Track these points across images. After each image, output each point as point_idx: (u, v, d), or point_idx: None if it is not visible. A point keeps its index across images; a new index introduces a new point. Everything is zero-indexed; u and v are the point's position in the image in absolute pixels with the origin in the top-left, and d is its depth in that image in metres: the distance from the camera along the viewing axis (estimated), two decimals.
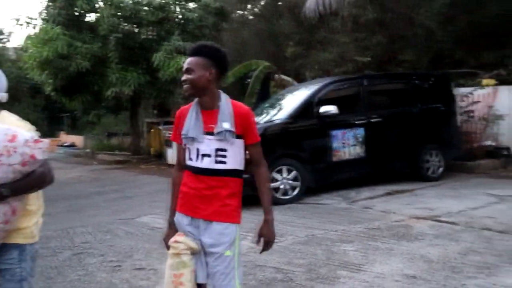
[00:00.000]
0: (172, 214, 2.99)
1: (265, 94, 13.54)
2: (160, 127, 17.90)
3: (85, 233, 7.14)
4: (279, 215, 7.33)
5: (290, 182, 8.23)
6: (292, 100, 9.24)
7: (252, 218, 7.15)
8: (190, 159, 2.88)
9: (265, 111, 9.73)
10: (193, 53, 2.84)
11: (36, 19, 17.54)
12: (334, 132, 8.62)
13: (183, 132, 2.87)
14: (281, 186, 8.16)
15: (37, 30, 17.13)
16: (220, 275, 2.79)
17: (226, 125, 2.78)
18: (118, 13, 16.15)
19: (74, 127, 35.31)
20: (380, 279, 4.43)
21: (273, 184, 8.07)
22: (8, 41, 40.11)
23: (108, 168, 16.87)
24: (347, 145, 8.72)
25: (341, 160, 8.68)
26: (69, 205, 9.78)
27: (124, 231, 7.10)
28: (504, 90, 10.97)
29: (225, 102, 2.87)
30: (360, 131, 8.84)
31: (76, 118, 33.12)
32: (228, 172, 2.83)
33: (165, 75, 15.19)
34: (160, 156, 17.85)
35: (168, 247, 2.92)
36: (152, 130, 19.06)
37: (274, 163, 8.11)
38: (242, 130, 2.84)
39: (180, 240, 2.84)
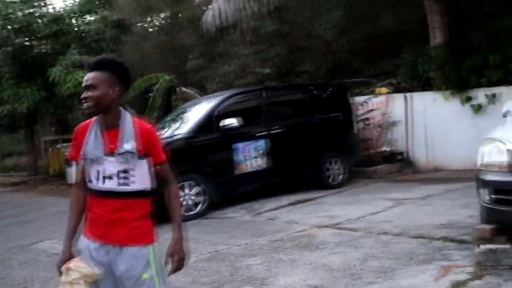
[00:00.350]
0: (69, 237, 2.76)
1: (167, 108, 13.35)
2: (59, 145, 17.11)
3: None
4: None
5: (193, 197, 8.12)
6: (194, 114, 9.16)
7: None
8: (90, 181, 2.72)
9: (167, 125, 9.57)
10: (95, 68, 2.67)
11: None
12: (236, 145, 8.63)
13: (82, 152, 2.70)
14: (184, 202, 8.01)
15: None
16: None
17: (127, 146, 2.65)
18: (8, 26, 15.31)
19: None
20: None
21: None
22: None
23: (3, 191, 15.88)
24: (249, 157, 8.75)
25: (244, 172, 8.70)
26: None
27: (18, 261, 6.67)
28: (396, 97, 11.51)
29: (128, 120, 2.73)
30: (262, 143, 8.91)
31: None
32: (134, 194, 2.70)
33: (63, 91, 14.56)
34: (61, 176, 17.05)
35: (60, 274, 2.70)
36: (51, 148, 18.18)
37: (176, 179, 7.95)
38: (147, 149, 2.71)
39: (73, 268, 2.63)
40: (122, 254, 2.68)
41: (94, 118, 2.75)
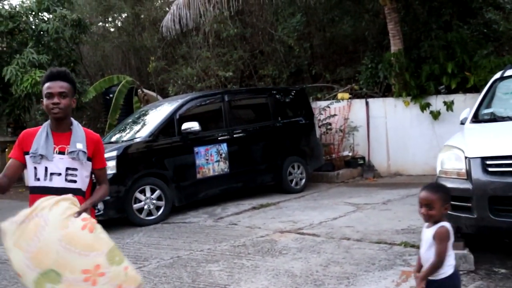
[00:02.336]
0: None
1: (128, 110, 13.13)
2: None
3: None
4: (144, 237, 7.08)
5: (154, 201, 7.98)
6: (154, 117, 9.02)
7: (116, 242, 6.79)
8: (38, 179, 2.96)
9: (127, 127, 9.42)
10: (63, 78, 3.01)
11: None
12: (197, 149, 8.54)
13: (32, 150, 2.95)
14: (145, 207, 7.88)
15: None
16: None
17: (80, 146, 3.00)
18: None
19: None
20: None
21: (137, 205, 7.79)
22: None
23: None
24: (211, 161, 8.68)
25: (205, 176, 8.62)
26: None
27: None
28: (357, 103, 11.65)
29: (79, 126, 3.11)
30: (223, 147, 8.85)
31: None
32: (77, 191, 2.98)
33: (19, 90, 14.16)
34: (18, 179, 16.59)
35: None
36: (7, 149, 17.66)
37: (136, 183, 7.84)
38: (92, 154, 3.08)
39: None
40: None
41: (42, 125, 3.08)
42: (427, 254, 2.97)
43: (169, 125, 8.50)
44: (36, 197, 2.90)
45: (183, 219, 8.05)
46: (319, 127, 11.01)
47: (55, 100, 2.95)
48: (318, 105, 11.61)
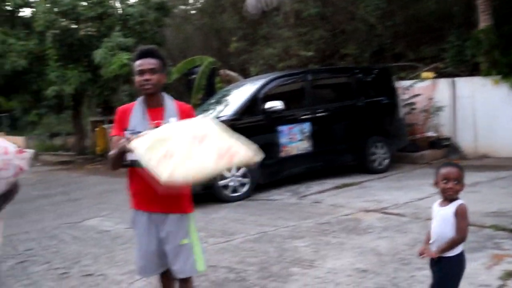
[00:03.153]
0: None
1: (211, 90, 13.42)
2: (105, 126, 17.47)
3: (29, 239, 6.89)
4: (230, 213, 7.30)
5: (239, 179, 8.20)
6: (237, 96, 9.19)
7: (203, 217, 7.10)
8: None
9: (211, 107, 9.65)
10: (152, 55, 3.09)
11: None
12: (280, 128, 8.64)
13: (130, 127, 3.07)
14: (231, 183, 8.11)
15: None
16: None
17: (173, 120, 3.06)
18: (55, 8, 15.61)
19: (14, 127, 33.94)
20: (332, 275, 4.45)
21: (222, 182, 8.02)
22: None
23: (52, 169, 16.35)
24: (294, 140, 8.75)
25: (289, 155, 8.71)
26: (12, 210, 9.30)
27: (71, 236, 6.90)
28: (442, 82, 11.29)
29: (169, 101, 3.19)
30: (307, 126, 8.89)
31: (16, 118, 31.93)
32: None
33: (108, 73, 14.83)
34: (106, 156, 17.43)
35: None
36: (97, 129, 18.58)
37: None
38: None
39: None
40: (166, 220, 3.11)
41: (136, 101, 3.19)
42: (441, 230, 3.02)
43: (253, 104, 8.64)
44: (135, 170, 3.06)
45: (267, 197, 8.21)
46: (403, 107, 10.79)
47: (146, 76, 3.04)
48: (401, 85, 11.35)
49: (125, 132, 3.09)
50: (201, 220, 6.90)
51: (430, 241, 3.12)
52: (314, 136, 8.93)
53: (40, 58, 16.03)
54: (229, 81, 13.97)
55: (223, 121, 8.32)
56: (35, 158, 21.38)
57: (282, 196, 8.14)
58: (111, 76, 14.94)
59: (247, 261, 5.05)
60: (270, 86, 9.04)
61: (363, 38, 13.74)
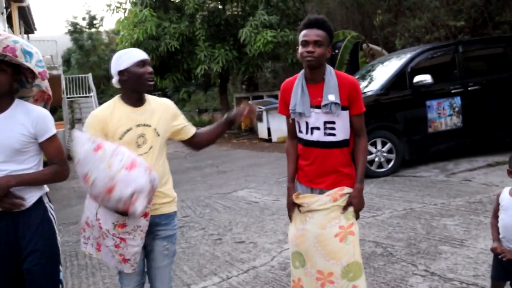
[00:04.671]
0: (291, 181, 3.10)
1: (354, 65, 13.28)
2: (250, 102, 18.08)
3: (185, 207, 7.46)
4: (375, 188, 7.27)
5: (385, 154, 8.11)
6: (383, 71, 9.01)
7: None
8: (301, 131, 3.01)
9: None
10: (319, 26, 2.87)
11: (125, 3, 18.21)
12: (429, 102, 8.33)
13: (291, 107, 2.97)
14: (376, 159, 8.06)
15: (127, 13, 17.78)
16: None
17: (332, 97, 2.86)
18: None
19: None
20: (485, 255, 4.27)
21: (368, 157, 7.98)
22: (101, 25, 42.00)
23: None
24: (443, 115, 8.40)
25: (437, 131, 8.39)
26: None
27: (222, 205, 7.34)
28: None
29: (330, 74, 2.93)
30: (457, 100, 8.48)
31: (168, 96, 34.31)
32: (337, 144, 2.94)
33: (253, 50, 15.31)
34: (251, 131, 18.10)
35: (291, 217, 3.08)
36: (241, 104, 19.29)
37: (368, 136, 7.98)
38: (348, 101, 2.90)
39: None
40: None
41: (298, 74, 3.01)
42: None
43: (400, 78, 8.42)
44: (300, 147, 3.07)
45: (413, 173, 8.02)
46: None
47: (310, 48, 2.83)
48: None
49: (291, 110, 3.01)
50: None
51: (501, 236, 2.89)
52: (464, 111, 8.49)
53: (190, 39, 16.97)
54: (372, 56, 13.71)
55: (369, 96, 8.30)
56: None
57: (429, 173, 7.90)
58: (255, 54, 15.39)
59: (394, 237, 5.03)
60: (418, 59, 8.72)
61: None
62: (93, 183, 2.46)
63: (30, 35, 27.02)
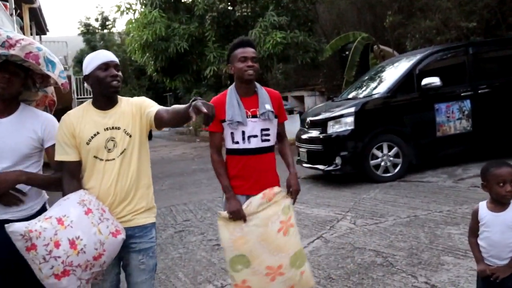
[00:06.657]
0: (231, 189, 3.19)
1: (365, 67, 13.11)
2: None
3: (186, 211, 7.36)
4: (380, 193, 7.09)
5: (391, 159, 7.93)
6: (392, 73, 8.84)
7: (352, 197, 6.99)
8: (236, 142, 3.17)
9: (364, 84, 9.43)
10: (251, 45, 3.18)
11: (135, 4, 18.18)
12: (437, 105, 8.15)
13: (228, 118, 3.13)
14: (382, 163, 7.88)
15: (137, 15, 17.75)
16: None
17: (268, 107, 3.17)
18: None
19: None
20: None
21: (374, 161, 7.83)
22: (114, 27, 42.23)
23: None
24: (452, 118, 8.21)
25: (446, 135, 8.20)
26: (173, 183, 10.13)
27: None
28: None
29: (260, 88, 3.25)
30: (466, 103, 8.28)
31: (179, 97, 34.30)
32: (270, 148, 3.24)
33: (262, 51, 15.17)
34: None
35: (245, 217, 3.11)
36: None
37: (374, 140, 7.85)
38: (277, 110, 3.26)
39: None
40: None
41: (225, 91, 3.25)
42: (504, 238, 2.61)
43: (408, 80, 8.25)
44: (234, 158, 3.19)
45: (420, 178, 7.83)
46: None
47: (250, 63, 3.10)
48: None
49: (223, 123, 3.15)
50: (351, 200, 6.80)
51: (486, 254, 2.70)
52: (475, 115, 8.29)
53: (199, 40, 16.88)
54: (383, 57, 13.54)
55: (375, 99, 8.13)
56: (194, 134, 22.75)
57: (437, 178, 7.69)
58: (265, 55, 15.26)
59: (396, 246, 4.86)
60: (427, 61, 8.56)
61: None
62: (82, 250, 2.35)
63: (42, 36, 27.19)
